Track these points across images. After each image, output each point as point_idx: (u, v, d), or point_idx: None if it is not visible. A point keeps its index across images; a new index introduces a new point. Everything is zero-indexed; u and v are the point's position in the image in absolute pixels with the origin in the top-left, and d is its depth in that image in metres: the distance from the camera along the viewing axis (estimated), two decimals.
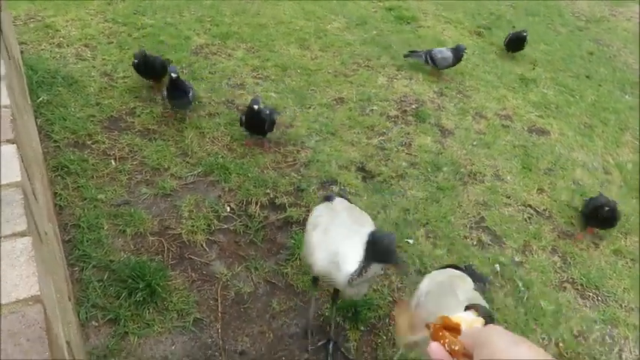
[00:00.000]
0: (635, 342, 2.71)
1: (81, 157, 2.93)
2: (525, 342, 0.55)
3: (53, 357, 0.91)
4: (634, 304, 2.92)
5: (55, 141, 3.00)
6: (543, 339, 2.61)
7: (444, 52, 4.54)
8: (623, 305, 2.91)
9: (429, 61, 4.54)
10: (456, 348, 0.63)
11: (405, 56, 4.68)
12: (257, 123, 3.19)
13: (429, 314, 1.90)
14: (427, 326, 0.70)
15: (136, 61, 3.48)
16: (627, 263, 3.18)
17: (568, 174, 3.85)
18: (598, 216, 3.15)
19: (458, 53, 4.52)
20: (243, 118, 3.24)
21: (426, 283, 2.06)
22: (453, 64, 4.58)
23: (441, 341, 0.64)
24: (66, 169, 2.83)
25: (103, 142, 3.09)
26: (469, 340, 0.61)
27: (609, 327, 2.76)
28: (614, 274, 3.08)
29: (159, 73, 3.52)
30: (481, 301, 1.99)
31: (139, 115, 3.39)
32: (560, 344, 2.61)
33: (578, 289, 2.94)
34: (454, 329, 0.68)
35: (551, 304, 2.79)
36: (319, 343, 2.35)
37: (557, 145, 4.14)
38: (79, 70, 3.69)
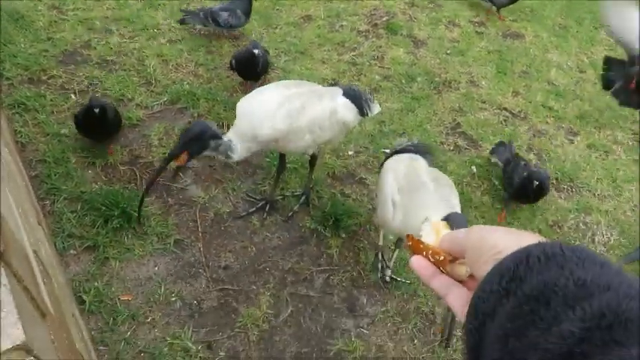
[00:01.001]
0: (606, 226, 2.80)
1: (38, 93, 2.79)
2: (523, 232, 0.51)
3: (6, 247, 0.88)
4: (607, 191, 3.00)
5: (8, 78, 2.83)
6: (519, 228, 2.69)
7: None
8: (596, 194, 2.98)
9: None
10: (441, 258, 0.58)
11: None
12: (252, 68, 2.99)
13: (408, 215, 1.91)
14: (407, 237, 0.65)
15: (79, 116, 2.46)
16: (600, 155, 3.24)
17: (543, 75, 3.81)
18: (527, 191, 2.54)
19: None
20: (234, 62, 3.00)
21: (390, 181, 2.03)
22: (513, 1, 4.15)
23: (423, 253, 0.60)
24: (23, 106, 2.69)
25: (60, 77, 2.94)
26: (454, 246, 0.57)
27: (583, 215, 2.85)
28: (588, 166, 3.13)
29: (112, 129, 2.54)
30: (440, 175, 2.05)
31: (94, 47, 3.20)
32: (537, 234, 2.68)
33: (553, 183, 2.99)
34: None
35: None
36: (258, 205, 2.51)
37: (532, 47, 4.07)
38: (24, 5, 3.43)
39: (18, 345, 0.75)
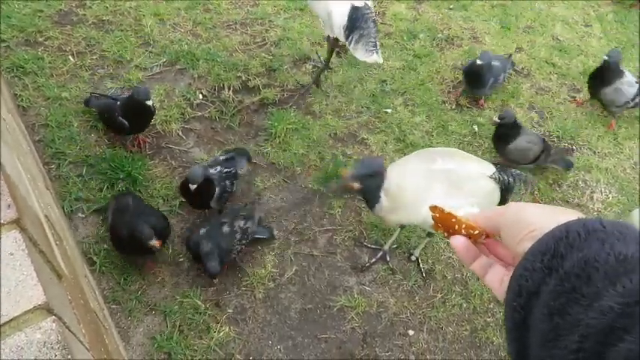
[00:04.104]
0: (605, 184, 2.83)
1: (35, 56, 2.75)
2: (565, 211, 0.49)
3: (21, 214, 0.91)
4: (607, 149, 3.01)
5: (4, 40, 2.79)
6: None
7: (624, 90, 2.73)
8: (597, 152, 2.99)
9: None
10: (476, 233, 0.56)
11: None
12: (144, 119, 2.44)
13: None
14: (431, 209, 0.60)
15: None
16: (603, 112, 3.22)
17: (547, 30, 3.73)
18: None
19: None
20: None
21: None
22: (635, 104, 2.86)
23: (456, 227, 0.57)
24: (22, 69, 2.67)
25: (57, 38, 2.89)
26: (489, 223, 0.55)
27: (582, 173, 2.87)
28: (590, 124, 3.13)
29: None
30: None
31: (90, 7, 3.13)
32: (536, 192, 2.72)
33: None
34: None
35: None
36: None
37: (537, 1, 3.96)
38: None
39: (39, 305, 0.79)
